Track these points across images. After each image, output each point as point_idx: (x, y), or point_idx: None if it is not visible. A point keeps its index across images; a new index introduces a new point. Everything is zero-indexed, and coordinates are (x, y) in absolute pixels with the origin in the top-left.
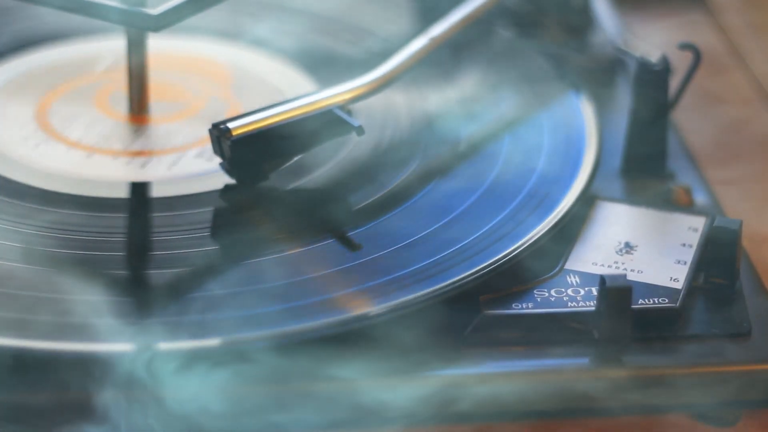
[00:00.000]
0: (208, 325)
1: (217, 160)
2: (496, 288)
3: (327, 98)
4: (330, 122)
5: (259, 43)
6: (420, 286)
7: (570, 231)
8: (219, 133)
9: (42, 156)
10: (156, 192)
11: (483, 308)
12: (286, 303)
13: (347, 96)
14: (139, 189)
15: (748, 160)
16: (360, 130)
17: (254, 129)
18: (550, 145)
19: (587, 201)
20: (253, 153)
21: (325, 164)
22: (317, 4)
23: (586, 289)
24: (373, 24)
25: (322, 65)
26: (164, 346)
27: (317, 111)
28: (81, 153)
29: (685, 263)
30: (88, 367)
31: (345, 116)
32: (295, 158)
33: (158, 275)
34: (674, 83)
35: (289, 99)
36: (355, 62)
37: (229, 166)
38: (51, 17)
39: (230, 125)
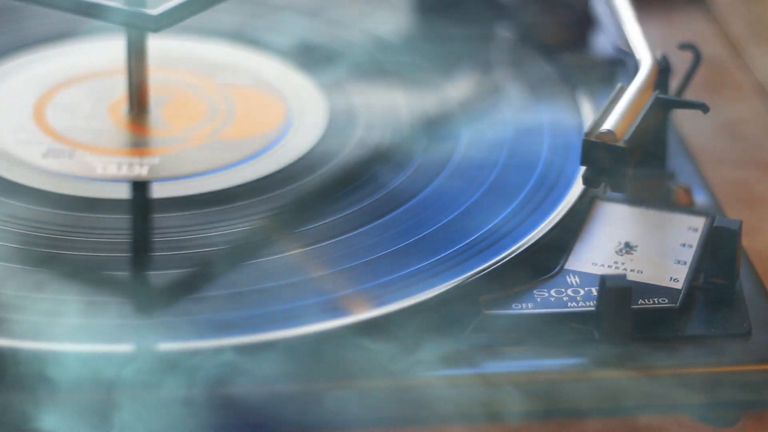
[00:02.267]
0: (208, 326)
1: (217, 161)
2: (496, 288)
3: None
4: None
5: (257, 43)
6: (420, 286)
7: (570, 231)
8: (602, 139)
9: (41, 156)
10: (156, 193)
11: (483, 308)
12: (285, 304)
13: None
14: (139, 190)
15: (748, 160)
16: (705, 108)
17: (631, 127)
18: (550, 145)
19: (587, 201)
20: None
21: (325, 164)
22: (317, 2)
23: (586, 289)
24: (371, 22)
25: (321, 64)
26: (166, 346)
27: (648, 103)
28: (80, 153)
29: (685, 263)
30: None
31: (677, 99)
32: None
33: (158, 276)
34: (674, 83)
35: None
36: (352, 60)
37: (613, 177)
38: (50, 17)
39: (609, 128)
